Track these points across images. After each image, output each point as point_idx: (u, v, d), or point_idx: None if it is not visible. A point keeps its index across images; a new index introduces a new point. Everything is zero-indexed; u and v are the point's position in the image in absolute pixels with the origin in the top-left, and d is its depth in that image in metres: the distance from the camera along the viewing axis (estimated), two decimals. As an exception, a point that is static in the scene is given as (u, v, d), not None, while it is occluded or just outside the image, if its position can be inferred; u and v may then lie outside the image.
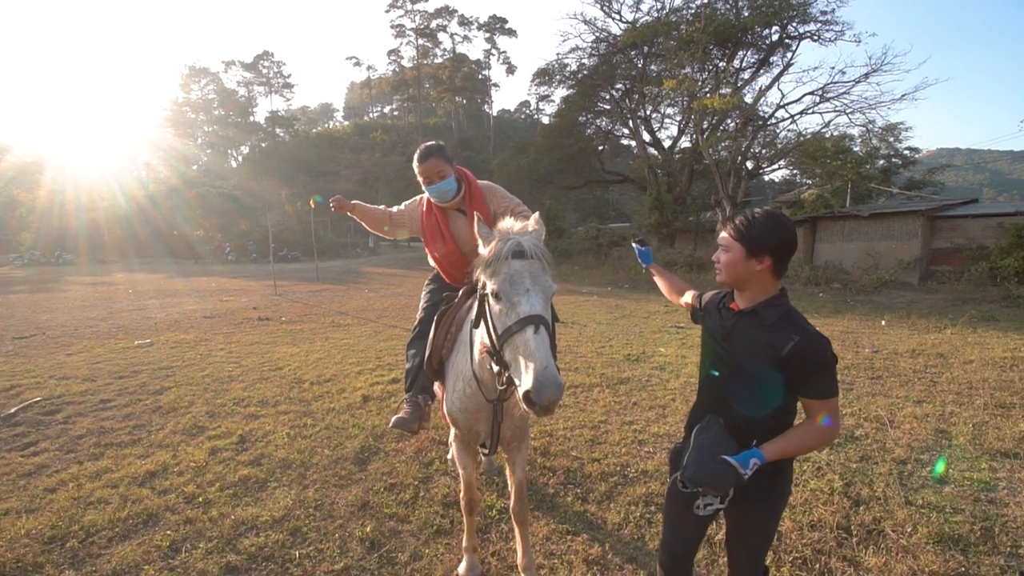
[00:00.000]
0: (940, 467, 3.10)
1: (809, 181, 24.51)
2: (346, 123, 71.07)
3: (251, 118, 58.70)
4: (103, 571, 2.33)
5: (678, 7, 19.97)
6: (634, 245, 2.08)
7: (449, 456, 3.45)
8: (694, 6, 19.48)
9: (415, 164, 2.34)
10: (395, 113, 73.19)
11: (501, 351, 1.48)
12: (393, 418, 2.38)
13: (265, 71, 59.27)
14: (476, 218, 1.65)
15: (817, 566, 2.26)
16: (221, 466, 3.37)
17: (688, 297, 1.84)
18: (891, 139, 24.33)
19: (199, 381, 5.54)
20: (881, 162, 24.76)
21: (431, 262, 2.64)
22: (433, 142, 2.34)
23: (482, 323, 1.61)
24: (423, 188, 2.39)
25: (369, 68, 71.80)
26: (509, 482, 2.19)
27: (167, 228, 32.21)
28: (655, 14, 20.62)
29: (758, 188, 34.29)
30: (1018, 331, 7.87)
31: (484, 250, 1.60)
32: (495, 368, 1.55)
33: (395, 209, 2.63)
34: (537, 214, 1.72)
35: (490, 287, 1.53)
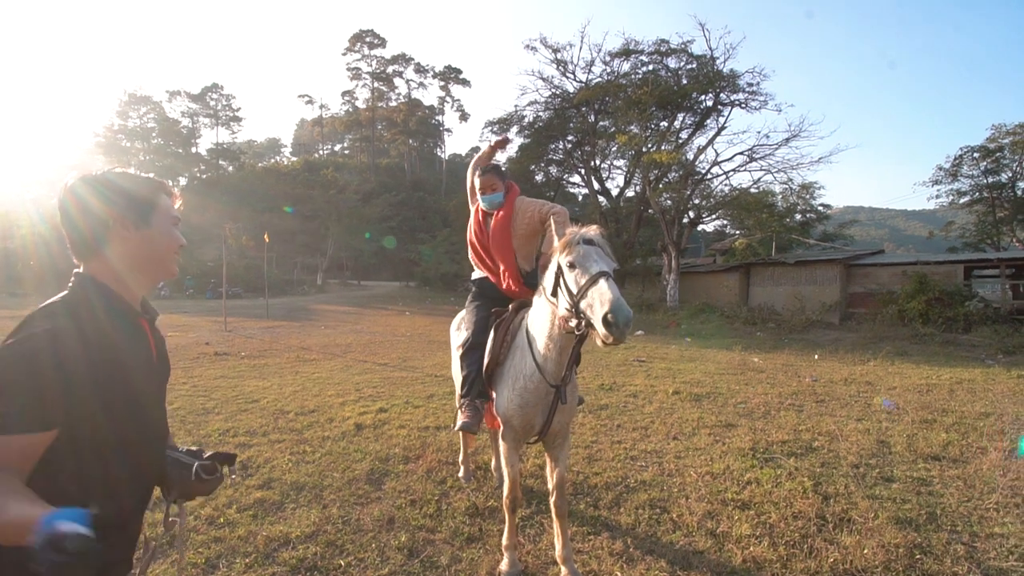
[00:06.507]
0: None
1: (738, 232, 26.90)
2: (295, 159, 70.01)
3: (193, 149, 56.54)
4: (140, 589, 2.32)
5: (626, 72, 22.00)
6: None
7: (460, 474, 3.62)
8: (641, 72, 21.55)
9: (476, 176, 2.82)
10: (347, 152, 73.08)
11: (579, 305, 1.88)
12: (457, 423, 2.59)
13: (213, 103, 57.72)
14: (553, 219, 2.36)
15: (805, 547, 2.65)
16: (231, 490, 3.34)
17: None
18: (807, 196, 27.32)
19: (171, 413, 5.32)
20: (799, 216, 27.66)
21: (471, 258, 3.01)
22: (492, 163, 2.90)
23: (559, 292, 2.01)
24: (477, 195, 2.83)
25: (322, 107, 71.82)
26: (550, 478, 2.45)
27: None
28: (606, 76, 22.54)
29: (693, 236, 37.03)
30: (928, 363, 9.04)
31: (559, 240, 2.06)
32: (572, 323, 1.93)
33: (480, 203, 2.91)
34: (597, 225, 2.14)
35: (566, 261, 1.97)
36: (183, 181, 56.63)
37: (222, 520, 2.93)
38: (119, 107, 51.63)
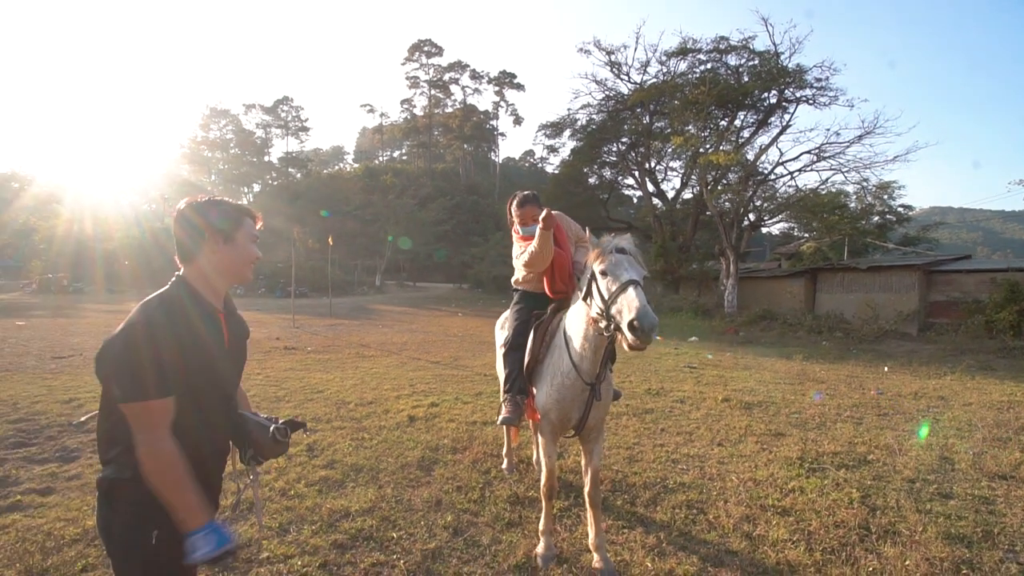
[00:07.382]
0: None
1: (806, 234, 25.44)
2: (356, 165, 73.42)
3: (266, 158, 60.83)
4: (226, 545, 2.70)
5: (683, 71, 21.44)
6: None
7: (503, 466, 3.83)
8: (698, 71, 20.94)
9: (513, 207, 2.88)
10: (404, 157, 75.79)
11: (609, 310, 2.03)
12: (500, 417, 2.80)
13: (284, 115, 61.99)
14: (587, 229, 2.43)
15: (843, 554, 2.64)
16: (300, 468, 3.74)
17: None
18: (885, 196, 25.41)
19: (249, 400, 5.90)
20: (876, 218, 25.78)
21: (520, 276, 3.00)
22: (529, 192, 2.90)
23: (590, 298, 2.18)
24: (518, 227, 2.89)
25: (382, 115, 74.87)
26: (585, 470, 2.61)
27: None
28: (662, 77, 22.09)
29: (757, 239, 35.38)
30: (1015, 379, 8.28)
31: (593, 250, 2.20)
32: (602, 325, 2.08)
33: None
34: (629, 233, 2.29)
35: (599, 268, 2.12)
36: (256, 187, 60.97)
37: (292, 492, 3.30)
38: (201, 120, 56.39)
